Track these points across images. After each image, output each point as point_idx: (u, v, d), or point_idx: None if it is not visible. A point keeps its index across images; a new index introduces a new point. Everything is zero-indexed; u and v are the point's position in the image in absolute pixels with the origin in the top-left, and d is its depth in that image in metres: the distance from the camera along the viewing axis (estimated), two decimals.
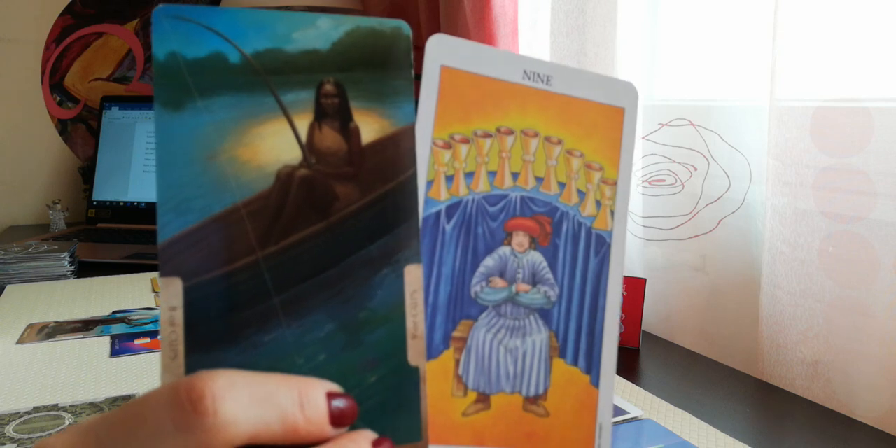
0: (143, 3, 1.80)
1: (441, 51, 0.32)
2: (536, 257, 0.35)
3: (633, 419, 0.69)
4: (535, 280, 0.35)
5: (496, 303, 0.34)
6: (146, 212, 1.61)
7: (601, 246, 0.36)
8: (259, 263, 0.26)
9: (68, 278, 1.22)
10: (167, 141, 0.25)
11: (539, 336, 0.35)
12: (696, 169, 0.93)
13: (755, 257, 0.86)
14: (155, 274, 1.25)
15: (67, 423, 0.68)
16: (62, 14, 1.75)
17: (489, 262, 0.34)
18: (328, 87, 0.27)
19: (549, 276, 0.35)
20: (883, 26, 0.69)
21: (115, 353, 0.87)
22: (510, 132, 0.34)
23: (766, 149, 0.80)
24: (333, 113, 0.27)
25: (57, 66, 1.76)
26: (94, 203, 1.63)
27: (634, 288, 0.90)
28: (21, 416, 0.69)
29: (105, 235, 1.52)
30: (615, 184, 0.37)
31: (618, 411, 0.71)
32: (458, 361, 0.33)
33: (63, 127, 1.78)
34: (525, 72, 0.34)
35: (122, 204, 1.62)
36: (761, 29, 0.82)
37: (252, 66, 0.26)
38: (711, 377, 0.81)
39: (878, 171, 0.69)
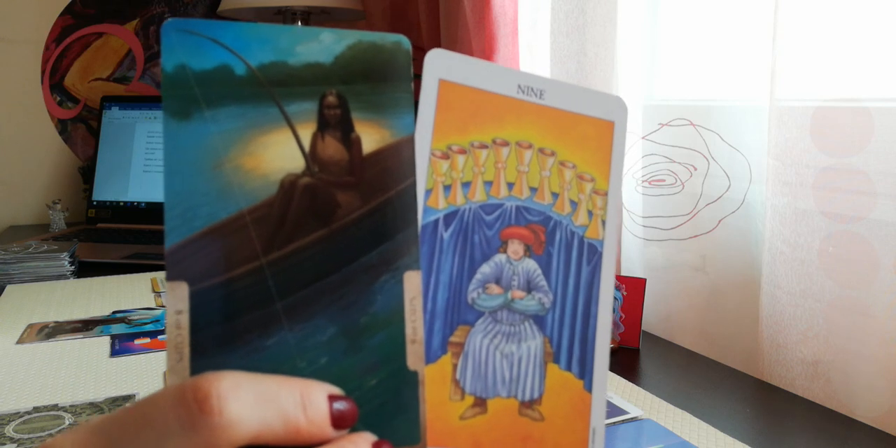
0: (143, 3, 1.80)
1: (439, 65, 0.33)
2: (531, 265, 0.36)
3: (633, 419, 0.69)
4: (529, 287, 0.36)
5: (492, 309, 0.35)
6: (146, 212, 1.61)
7: (593, 254, 0.37)
8: (263, 269, 0.26)
9: (68, 278, 1.22)
10: (175, 150, 0.26)
11: (534, 342, 0.35)
12: (696, 169, 0.93)
13: (755, 257, 0.86)
14: (155, 274, 1.25)
15: (67, 423, 0.68)
16: (62, 14, 1.75)
17: (485, 269, 0.35)
18: (331, 99, 0.27)
19: (544, 283, 0.36)
20: (883, 26, 0.69)
21: (115, 353, 0.87)
22: (505, 144, 0.35)
23: (766, 149, 0.80)
24: (336, 123, 0.27)
25: (57, 66, 1.76)
26: (94, 203, 1.63)
27: (634, 288, 0.90)
28: (21, 416, 0.70)
29: (105, 235, 1.52)
30: (606, 194, 0.38)
31: (618, 411, 0.71)
32: (455, 366, 0.34)
33: (63, 127, 1.78)
34: (519, 86, 0.35)
35: (122, 204, 1.62)
36: (761, 29, 0.82)
37: (257, 78, 0.27)
38: (711, 377, 0.81)
39: (878, 171, 0.69)
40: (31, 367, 0.83)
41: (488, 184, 0.35)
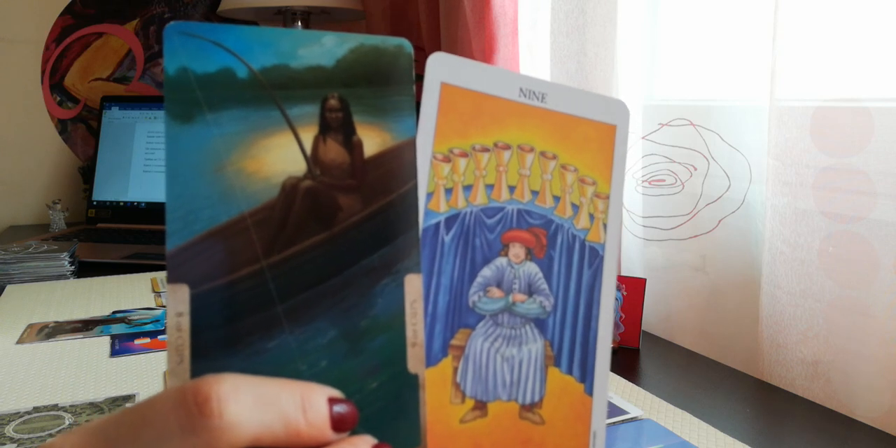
0: (143, 3, 1.79)
1: (441, 68, 0.33)
2: (532, 268, 0.36)
3: (633, 419, 0.69)
4: (530, 290, 0.36)
5: (493, 312, 0.35)
6: (146, 212, 1.61)
7: (594, 258, 0.37)
8: (264, 272, 0.26)
9: (68, 278, 1.22)
10: (177, 152, 0.26)
11: (535, 345, 0.35)
12: (696, 169, 0.93)
13: (755, 257, 0.86)
14: (155, 274, 1.25)
15: (67, 423, 0.68)
16: (62, 14, 1.75)
17: (486, 272, 0.34)
18: (332, 102, 0.27)
19: (545, 286, 0.36)
20: (883, 26, 0.69)
21: (115, 353, 0.87)
22: (507, 147, 0.35)
23: (766, 149, 0.80)
24: (337, 127, 0.27)
25: (57, 66, 1.76)
26: (94, 203, 1.63)
27: (634, 288, 0.90)
28: (21, 416, 0.70)
29: (105, 235, 1.52)
30: (608, 198, 0.38)
31: (618, 411, 0.71)
32: (456, 369, 0.34)
33: (63, 127, 1.78)
34: (521, 89, 0.35)
35: (122, 204, 1.62)
36: (761, 29, 0.82)
37: (259, 81, 0.27)
38: (711, 377, 0.81)
39: (878, 171, 0.69)
40: (31, 367, 0.83)
41: (490, 187, 0.35)
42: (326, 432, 0.25)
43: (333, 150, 0.27)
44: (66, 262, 1.22)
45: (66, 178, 1.80)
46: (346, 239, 0.27)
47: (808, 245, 0.76)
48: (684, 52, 0.96)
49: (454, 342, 0.34)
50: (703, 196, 0.92)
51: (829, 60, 0.73)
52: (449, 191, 0.34)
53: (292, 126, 0.27)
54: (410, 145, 0.28)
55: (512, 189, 0.35)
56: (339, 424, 0.25)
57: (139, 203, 1.62)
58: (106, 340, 0.92)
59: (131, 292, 1.14)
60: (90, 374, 0.81)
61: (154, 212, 1.60)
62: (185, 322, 0.25)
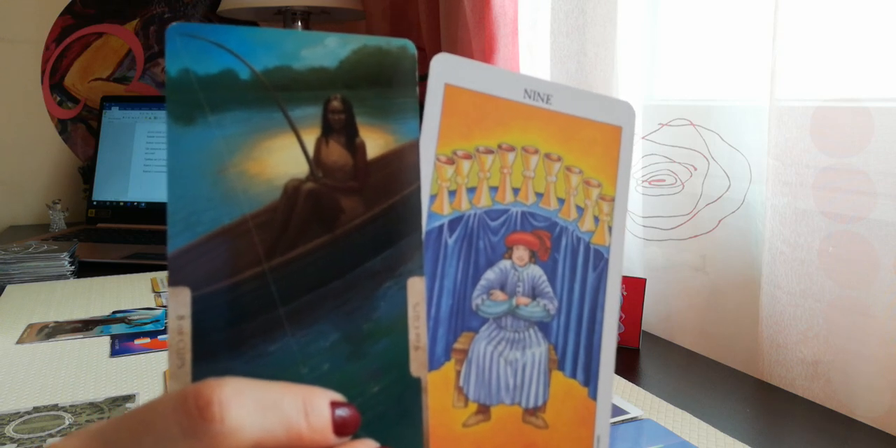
0: (143, 3, 1.79)
1: (445, 69, 0.33)
2: (536, 271, 0.35)
3: (633, 419, 0.69)
4: (534, 293, 0.35)
5: (497, 315, 0.34)
6: (146, 212, 1.61)
7: (599, 261, 0.37)
8: (266, 274, 0.26)
9: (68, 278, 1.22)
10: (178, 154, 0.25)
11: (538, 349, 0.35)
12: (696, 169, 0.93)
13: (755, 257, 0.86)
14: (155, 274, 1.25)
15: (67, 423, 0.68)
16: (62, 14, 1.75)
17: (490, 275, 0.34)
18: (335, 104, 0.27)
19: (549, 289, 0.36)
20: (883, 26, 0.69)
21: (115, 353, 0.87)
22: (511, 149, 0.35)
23: (766, 149, 0.80)
24: (340, 128, 0.27)
25: (57, 66, 1.76)
26: (94, 203, 1.63)
27: (634, 288, 0.90)
28: (21, 416, 0.70)
29: (105, 235, 1.52)
30: (613, 200, 0.38)
31: (618, 411, 0.71)
32: (459, 373, 0.33)
33: (63, 127, 1.78)
34: (526, 90, 0.35)
35: (122, 204, 1.62)
36: (761, 29, 0.82)
37: (262, 82, 0.26)
38: (711, 377, 0.81)
39: (878, 171, 0.69)
40: (31, 367, 0.83)
41: (494, 189, 0.35)
42: (328, 436, 0.25)
43: (336, 152, 0.27)
44: (66, 262, 1.22)
45: (66, 178, 1.80)
46: (349, 241, 0.27)
47: (808, 245, 0.76)
48: (684, 52, 0.96)
49: (457, 346, 0.33)
50: (703, 196, 0.92)
51: (829, 60, 0.73)
52: (452, 193, 0.34)
53: (295, 128, 0.27)
54: (414, 147, 0.28)
55: (516, 191, 0.35)
56: (341, 428, 0.25)
57: (139, 203, 1.62)
58: (106, 340, 0.92)
59: (131, 292, 1.14)
60: (90, 374, 0.81)
61: (154, 212, 1.60)
62: (187, 325, 0.25)
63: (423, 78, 0.33)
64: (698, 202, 0.93)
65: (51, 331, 0.95)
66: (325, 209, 0.27)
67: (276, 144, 0.27)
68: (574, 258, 0.36)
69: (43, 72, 1.75)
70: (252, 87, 0.26)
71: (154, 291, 1.14)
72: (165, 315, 1.03)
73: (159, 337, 0.93)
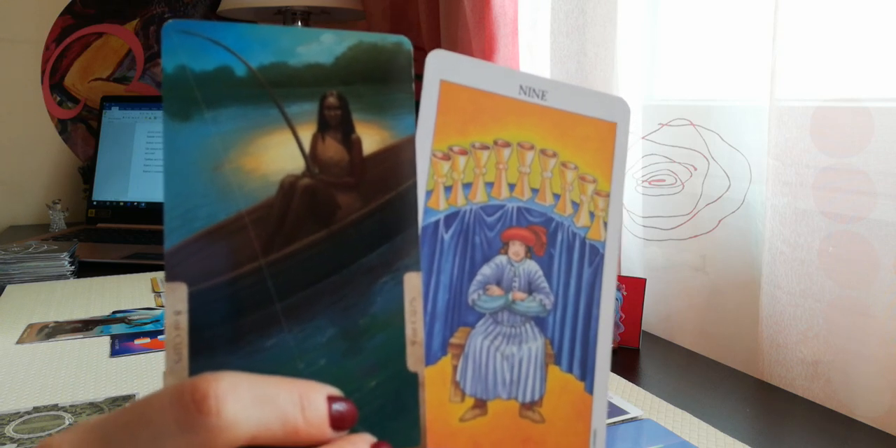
0: (143, 3, 1.80)
1: (441, 66, 0.33)
2: (532, 266, 0.35)
3: (633, 419, 0.69)
4: (530, 288, 0.35)
5: (493, 310, 0.34)
6: (146, 212, 1.61)
7: (595, 256, 0.37)
8: (262, 270, 0.26)
9: (68, 278, 1.22)
10: (175, 151, 0.25)
11: (535, 343, 0.35)
12: (696, 169, 0.93)
13: (755, 257, 0.86)
14: (155, 274, 1.25)
15: (67, 423, 0.68)
16: (62, 14, 1.75)
17: (486, 270, 0.34)
18: (331, 100, 0.27)
19: (545, 284, 0.36)
20: (883, 26, 0.69)
21: (115, 353, 0.87)
22: (507, 145, 0.35)
23: (766, 149, 0.80)
24: (336, 124, 0.27)
25: (57, 66, 1.76)
26: (94, 203, 1.63)
27: (634, 288, 0.90)
28: (21, 416, 0.70)
29: (105, 235, 1.52)
30: (608, 196, 0.38)
31: (618, 411, 0.71)
32: (455, 368, 0.33)
33: (63, 127, 1.79)
34: (521, 87, 0.35)
35: (122, 204, 1.62)
36: (761, 29, 0.82)
37: (258, 79, 0.26)
38: (711, 377, 0.81)
39: (878, 171, 0.69)
40: (31, 367, 0.83)
41: (489, 185, 0.35)
42: (325, 431, 0.25)
43: (332, 148, 0.27)
44: (66, 262, 1.22)
45: (66, 178, 1.80)
46: (345, 237, 0.27)
47: (808, 245, 0.76)
48: (684, 52, 0.96)
49: (454, 341, 0.33)
50: (703, 196, 0.92)
51: (829, 60, 0.73)
52: (448, 189, 0.34)
53: (291, 124, 0.27)
54: (410, 143, 0.28)
55: (512, 187, 0.35)
56: (337, 423, 0.25)
57: (139, 203, 1.62)
58: (106, 340, 0.92)
59: (131, 292, 1.14)
60: (90, 374, 0.81)
61: (154, 212, 1.60)
62: (184, 320, 0.25)
63: (421, 77, 0.33)
64: (698, 202, 0.93)
65: (51, 331, 0.95)
66: (322, 205, 0.27)
67: (272, 140, 0.27)
68: (570, 253, 0.36)
69: (43, 72, 1.75)
70: (248, 84, 0.26)
71: (154, 291, 1.14)
72: (165, 316, 1.03)
73: (159, 337, 0.93)
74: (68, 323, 0.98)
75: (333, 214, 0.27)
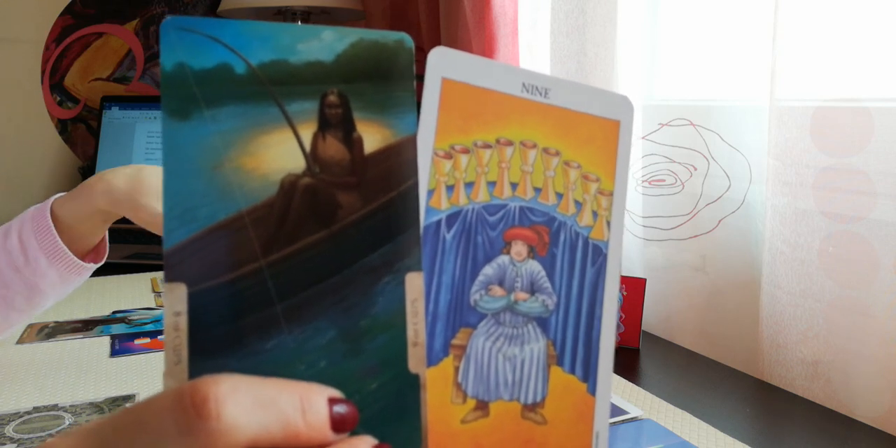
0: (143, 3, 1.79)
1: (442, 63, 0.33)
2: (535, 266, 0.35)
3: (633, 419, 0.69)
4: (533, 289, 0.35)
5: (495, 311, 0.34)
6: None
7: (598, 256, 0.37)
8: (262, 270, 0.26)
9: None
10: (174, 150, 0.25)
11: (537, 344, 0.35)
12: (696, 169, 0.93)
13: (755, 257, 0.86)
14: (155, 274, 1.25)
15: (67, 423, 0.68)
16: (62, 14, 1.75)
17: (488, 270, 0.34)
18: (332, 98, 0.27)
19: (547, 285, 0.35)
20: (883, 26, 0.69)
21: (115, 353, 0.87)
22: (509, 143, 0.35)
23: (766, 149, 0.80)
24: (337, 123, 0.27)
25: (57, 66, 1.76)
26: None
27: (634, 288, 0.90)
28: (21, 416, 0.70)
29: None
30: (611, 195, 0.37)
31: (618, 411, 0.71)
32: (457, 369, 0.33)
33: (63, 127, 1.78)
34: (524, 84, 0.35)
35: None
36: (761, 29, 0.82)
37: (258, 76, 0.26)
38: (711, 377, 0.81)
39: (878, 171, 0.69)
40: (31, 367, 0.83)
41: (492, 184, 0.34)
42: (326, 433, 0.25)
43: (333, 147, 0.27)
44: None
45: (66, 178, 1.80)
46: (346, 237, 0.27)
47: (808, 245, 0.76)
48: (684, 52, 0.96)
49: (455, 341, 0.33)
50: (703, 196, 0.92)
51: (829, 60, 0.73)
52: (450, 188, 0.33)
53: (291, 122, 0.26)
54: (411, 142, 0.28)
55: (514, 186, 0.35)
56: (338, 425, 0.25)
57: None
58: (106, 340, 0.92)
59: (131, 292, 1.14)
60: (90, 374, 0.81)
61: None
62: (183, 322, 0.25)
63: (422, 77, 0.33)
64: (698, 202, 0.93)
65: (51, 331, 0.95)
66: (323, 204, 0.27)
67: (272, 139, 0.26)
68: (573, 253, 0.36)
69: (43, 72, 1.75)
70: (248, 82, 0.26)
71: (154, 291, 1.14)
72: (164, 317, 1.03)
73: (159, 337, 0.93)
74: (68, 323, 0.98)
75: (334, 214, 0.27)
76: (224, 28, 0.26)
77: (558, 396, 0.35)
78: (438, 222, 0.33)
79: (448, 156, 0.33)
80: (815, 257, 0.76)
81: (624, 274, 1.02)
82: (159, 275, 1.24)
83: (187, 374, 0.25)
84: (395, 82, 0.28)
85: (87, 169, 1.73)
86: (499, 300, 0.34)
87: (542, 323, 0.35)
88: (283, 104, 0.26)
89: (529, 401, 0.35)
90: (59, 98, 1.77)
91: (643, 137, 0.99)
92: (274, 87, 0.26)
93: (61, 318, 1.00)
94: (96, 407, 0.72)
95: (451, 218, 0.33)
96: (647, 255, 1.01)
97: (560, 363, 0.35)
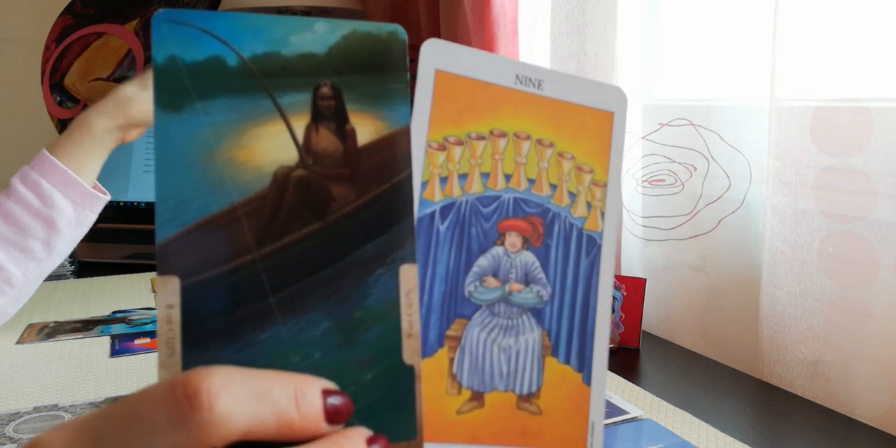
0: (143, 3, 1.80)
1: (435, 55, 0.33)
2: (529, 257, 0.35)
3: (633, 419, 0.69)
4: (527, 280, 0.35)
5: (490, 302, 0.34)
6: (146, 212, 1.61)
7: (592, 247, 0.37)
8: (256, 263, 0.26)
9: (68, 278, 1.22)
10: (166, 142, 0.25)
11: (532, 335, 0.35)
12: (696, 169, 0.93)
13: (755, 257, 0.86)
14: (155, 274, 1.25)
15: None
16: (62, 14, 1.75)
17: (483, 261, 0.34)
18: (325, 90, 0.27)
19: (542, 275, 0.35)
20: (883, 26, 0.69)
21: (115, 353, 0.87)
22: (503, 135, 0.35)
23: (766, 149, 0.80)
24: (330, 115, 0.27)
25: (57, 66, 1.76)
26: None
27: (634, 288, 0.90)
28: (21, 416, 0.70)
29: (105, 235, 1.52)
30: (605, 186, 0.37)
31: (618, 411, 0.71)
32: (452, 360, 0.33)
33: (63, 127, 1.78)
34: (517, 76, 0.35)
35: (122, 204, 1.62)
36: (761, 29, 0.82)
37: (250, 69, 0.26)
38: (711, 377, 0.81)
39: (878, 171, 0.69)
40: (31, 367, 0.83)
41: (485, 175, 0.34)
42: (320, 425, 0.25)
43: (326, 139, 0.27)
44: (66, 262, 1.22)
45: None
46: (340, 229, 0.27)
47: (808, 245, 0.76)
48: (684, 52, 0.96)
49: (450, 333, 0.33)
50: (703, 196, 0.92)
51: (829, 60, 0.73)
52: (444, 179, 0.33)
53: (284, 115, 0.26)
54: (405, 134, 0.28)
55: (508, 177, 0.35)
56: (333, 417, 0.25)
57: (139, 203, 1.62)
58: (106, 340, 0.92)
59: (131, 292, 1.14)
60: (90, 374, 0.81)
61: (154, 212, 1.60)
62: (176, 314, 0.25)
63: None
64: (698, 202, 0.93)
65: (51, 331, 0.95)
66: (316, 196, 0.27)
67: (265, 132, 0.26)
68: (567, 244, 0.36)
69: (43, 72, 1.75)
70: (240, 74, 0.26)
71: (154, 291, 1.14)
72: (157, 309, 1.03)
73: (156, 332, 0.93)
74: (68, 323, 0.98)
75: (328, 206, 0.27)
76: (216, 20, 0.26)
77: (553, 387, 0.35)
78: (432, 214, 0.33)
79: (442, 147, 0.33)
80: (815, 257, 0.75)
81: (624, 274, 1.02)
82: None
83: (181, 367, 0.25)
84: (388, 74, 0.28)
85: None
86: (493, 291, 0.34)
87: (537, 314, 0.35)
88: (275, 96, 0.26)
89: (525, 391, 0.35)
90: (59, 98, 1.77)
91: (643, 137, 0.99)
92: (266, 80, 0.26)
93: (61, 319, 1.00)
94: (96, 407, 0.72)
95: (445, 209, 0.33)
96: (647, 255, 1.01)
97: (555, 354, 0.35)
